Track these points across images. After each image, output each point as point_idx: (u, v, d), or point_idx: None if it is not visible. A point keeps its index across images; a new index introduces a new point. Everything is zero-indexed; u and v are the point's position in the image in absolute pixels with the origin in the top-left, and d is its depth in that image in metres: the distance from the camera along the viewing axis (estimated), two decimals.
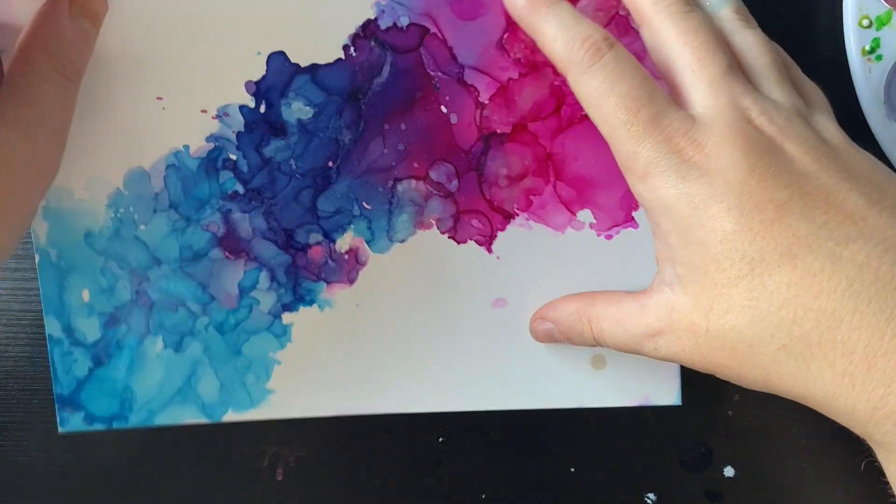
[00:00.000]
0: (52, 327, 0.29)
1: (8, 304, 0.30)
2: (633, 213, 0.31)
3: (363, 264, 0.30)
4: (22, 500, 0.31)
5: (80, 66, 0.24)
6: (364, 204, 0.30)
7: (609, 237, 0.31)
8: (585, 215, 0.31)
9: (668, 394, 0.32)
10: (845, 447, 0.30)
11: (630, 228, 0.31)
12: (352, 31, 0.28)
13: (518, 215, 0.30)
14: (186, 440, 0.31)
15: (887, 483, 0.23)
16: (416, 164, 0.30)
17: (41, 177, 0.23)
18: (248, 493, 0.31)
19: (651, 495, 0.30)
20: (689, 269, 0.23)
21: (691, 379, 0.30)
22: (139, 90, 0.27)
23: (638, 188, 0.25)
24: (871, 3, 0.29)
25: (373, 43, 0.28)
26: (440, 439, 0.31)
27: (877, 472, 0.24)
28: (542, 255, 0.31)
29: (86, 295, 0.29)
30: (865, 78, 0.29)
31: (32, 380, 0.30)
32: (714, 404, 0.31)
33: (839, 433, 0.30)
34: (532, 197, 0.30)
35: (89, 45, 0.24)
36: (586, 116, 0.30)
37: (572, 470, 0.31)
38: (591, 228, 0.31)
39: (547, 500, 0.31)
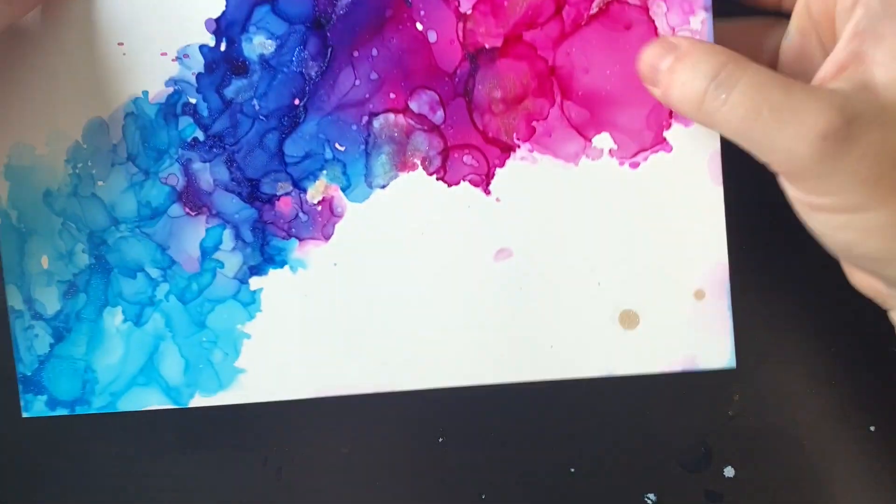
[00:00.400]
0: (14, 298, 0.27)
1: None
2: (665, 133, 0.25)
3: (339, 216, 0.26)
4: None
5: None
6: (336, 145, 0.26)
7: (635, 165, 0.25)
8: (603, 140, 0.25)
9: (719, 355, 0.24)
10: (845, 447, 0.30)
11: (662, 152, 0.24)
12: None
13: (519, 147, 0.25)
14: (186, 439, 0.30)
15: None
16: (392, 95, 0.26)
17: None
18: (248, 492, 0.30)
19: (651, 495, 0.30)
20: None
21: (691, 379, 0.29)
22: (100, 37, 0.26)
23: None
24: None
25: None
26: (440, 439, 0.30)
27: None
28: (552, 194, 0.25)
29: (45, 261, 0.27)
30: None
31: None
32: (714, 404, 0.30)
33: (839, 433, 0.30)
34: (535, 123, 0.25)
35: None
36: (595, 16, 0.25)
37: (572, 470, 0.30)
38: (612, 156, 0.25)
39: (547, 500, 0.30)
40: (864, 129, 0.19)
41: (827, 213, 0.20)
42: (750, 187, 0.25)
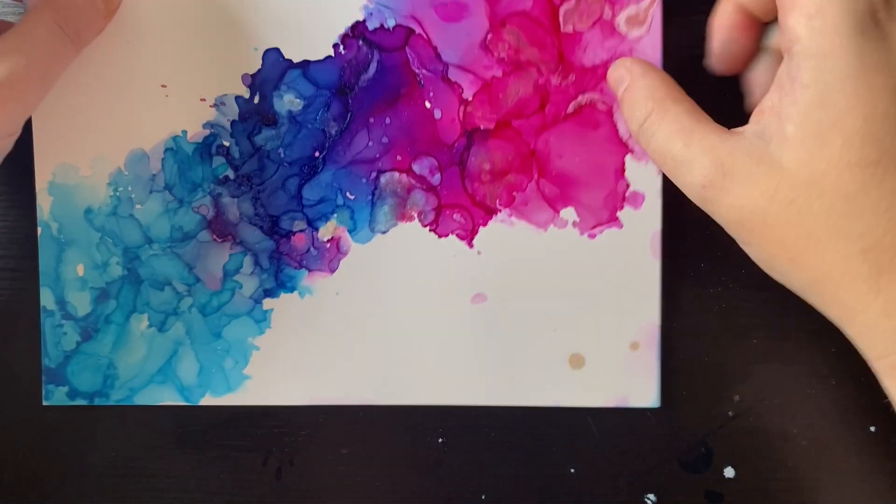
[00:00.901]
0: (46, 299, 0.30)
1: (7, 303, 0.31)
2: (618, 213, 0.31)
3: (344, 253, 0.31)
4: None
5: (83, 32, 0.26)
6: (347, 194, 0.31)
7: (592, 236, 0.31)
8: (569, 213, 0.30)
9: (646, 395, 0.30)
10: (845, 447, 0.30)
11: (614, 228, 0.30)
12: (341, 30, 0.30)
13: (500, 211, 0.30)
14: (186, 439, 0.31)
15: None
16: (399, 157, 0.31)
17: (14, 100, 0.24)
18: (248, 492, 0.31)
19: (651, 495, 0.30)
20: (806, 131, 0.21)
21: (691, 379, 0.31)
22: (146, 77, 0.29)
23: (795, 23, 0.21)
24: None
25: (361, 42, 0.30)
26: (440, 439, 0.31)
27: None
28: (524, 252, 0.30)
29: (80, 269, 0.30)
30: None
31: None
32: (714, 404, 0.30)
33: (839, 433, 0.30)
34: (515, 193, 0.30)
35: (97, 18, 0.27)
36: (571, 115, 0.31)
37: (572, 470, 0.30)
38: (574, 227, 0.30)
39: (547, 500, 0.30)
40: (735, 182, 0.22)
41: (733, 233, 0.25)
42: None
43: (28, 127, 0.29)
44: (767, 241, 0.23)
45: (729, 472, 0.30)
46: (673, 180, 0.25)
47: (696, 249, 0.31)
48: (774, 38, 0.26)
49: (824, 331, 0.29)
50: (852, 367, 0.29)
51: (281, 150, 0.30)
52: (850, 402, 0.30)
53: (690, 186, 0.24)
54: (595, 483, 0.30)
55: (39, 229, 0.30)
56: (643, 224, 0.30)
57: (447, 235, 0.30)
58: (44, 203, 0.30)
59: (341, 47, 0.30)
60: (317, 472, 0.31)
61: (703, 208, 0.24)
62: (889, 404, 0.29)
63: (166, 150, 0.30)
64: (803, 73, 0.21)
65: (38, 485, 0.31)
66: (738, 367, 0.30)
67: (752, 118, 0.24)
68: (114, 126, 0.30)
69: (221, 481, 0.31)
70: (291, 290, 0.30)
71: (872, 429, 0.30)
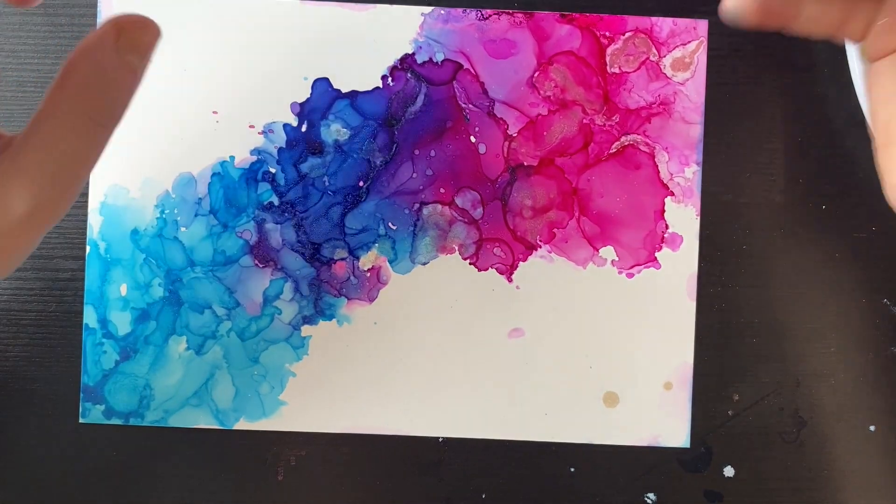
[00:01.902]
0: (89, 317, 0.30)
1: (8, 304, 0.31)
2: (657, 254, 0.31)
3: (384, 283, 0.32)
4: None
5: (119, 109, 0.19)
6: (390, 224, 0.31)
7: (630, 276, 0.31)
8: (608, 252, 0.31)
9: (678, 436, 0.30)
10: (845, 447, 0.30)
11: (652, 268, 0.31)
12: (391, 63, 0.30)
13: (540, 247, 0.31)
14: (187, 439, 0.31)
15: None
16: (442, 190, 0.31)
17: (41, 227, 0.19)
18: (248, 493, 0.31)
19: (651, 495, 0.30)
20: None
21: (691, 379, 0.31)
22: (199, 104, 0.30)
23: None
24: None
25: (409, 75, 0.31)
26: (440, 439, 0.31)
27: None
28: (562, 289, 0.31)
29: (123, 289, 0.31)
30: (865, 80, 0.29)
31: (32, 380, 0.31)
32: (714, 404, 0.30)
33: (839, 433, 0.30)
34: (555, 230, 0.31)
35: (135, 82, 0.19)
36: (613, 154, 0.31)
37: (572, 470, 0.30)
38: (613, 265, 0.31)
39: (547, 500, 0.30)
40: None
41: None
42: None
43: None
44: None
45: (728, 472, 0.30)
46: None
47: (698, 250, 0.31)
48: None
49: (824, 331, 0.30)
50: (852, 367, 0.30)
51: (326, 179, 0.31)
52: (850, 402, 0.30)
53: None
54: (595, 483, 0.30)
55: (88, 248, 0.31)
56: (680, 265, 0.31)
57: (487, 269, 0.31)
58: (94, 222, 0.30)
59: (390, 79, 0.31)
60: (317, 472, 0.31)
61: None
62: (889, 404, 0.30)
63: (213, 174, 0.31)
64: None
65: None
66: (737, 367, 0.30)
67: None
68: (164, 150, 0.30)
69: (221, 481, 0.31)
70: (330, 317, 0.31)
71: (872, 429, 0.30)
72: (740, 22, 0.23)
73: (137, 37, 0.19)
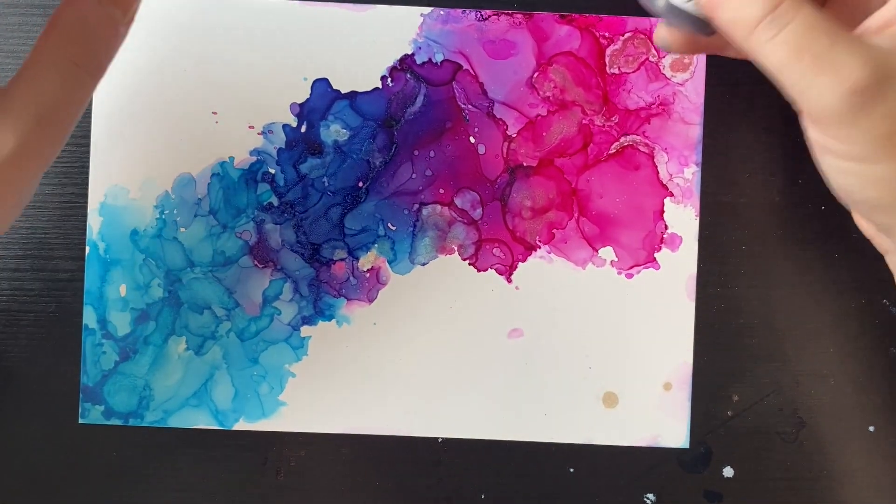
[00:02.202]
0: (89, 318, 0.30)
1: (8, 304, 0.31)
2: (656, 255, 0.31)
3: (384, 284, 0.32)
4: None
5: (103, 58, 0.21)
6: (389, 225, 0.31)
7: (630, 276, 0.31)
8: (607, 252, 0.31)
9: (676, 436, 0.30)
10: (845, 447, 0.30)
11: (651, 269, 0.31)
12: (390, 63, 0.30)
13: (540, 247, 0.31)
14: (187, 439, 0.31)
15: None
16: (442, 191, 0.31)
17: (29, 168, 0.20)
18: (248, 493, 0.31)
19: (651, 495, 0.30)
20: None
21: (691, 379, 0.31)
22: (198, 104, 0.30)
23: None
24: None
25: (408, 75, 0.31)
26: (440, 439, 0.31)
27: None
28: (562, 289, 0.31)
29: (123, 290, 0.31)
30: None
31: (32, 380, 0.31)
32: (713, 404, 0.31)
33: (839, 433, 0.30)
34: (555, 230, 0.31)
35: (117, 36, 0.21)
36: (613, 155, 0.31)
37: (572, 470, 0.30)
38: (612, 266, 0.31)
39: (547, 500, 0.30)
40: (892, 89, 0.19)
41: (838, 158, 0.21)
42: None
43: (86, 148, 0.31)
44: None
45: (728, 472, 0.30)
46: (792, 88, 0.20)
47: (698, 250, 0.31)
48: None
49: (824, 331, 0.30)
50: (852, 367, 0.30)
51: (325, 179, 0.31)
52: (850, 402, 0.30)
53: (832, 92, 0.20)
54: (595, 483, 0.30)
55: (87, 248, 0.31)
56: (680, 266, 0.31)
57: (486, 270, 0.31)
58: (94, 223, 0.31)
59: (389, 80, 0.31)
60: (317, 472, 0.31)
61: (835, 123, 0.20)
62: (889, 404, 0.30)
63: (213, 175, 0.31)
64: None
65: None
66: (737, 367, 0.30)
67: (873, 33, 0.21)
68: (164, 150, 0.31)
69: (221, 481, 0.31)
70: (329, 318, 0.31)
71: (872, 429, 0.30)
72: (671, 50, 0.25)
73: None
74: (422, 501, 0.31)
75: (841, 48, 0.20)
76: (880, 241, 0.25)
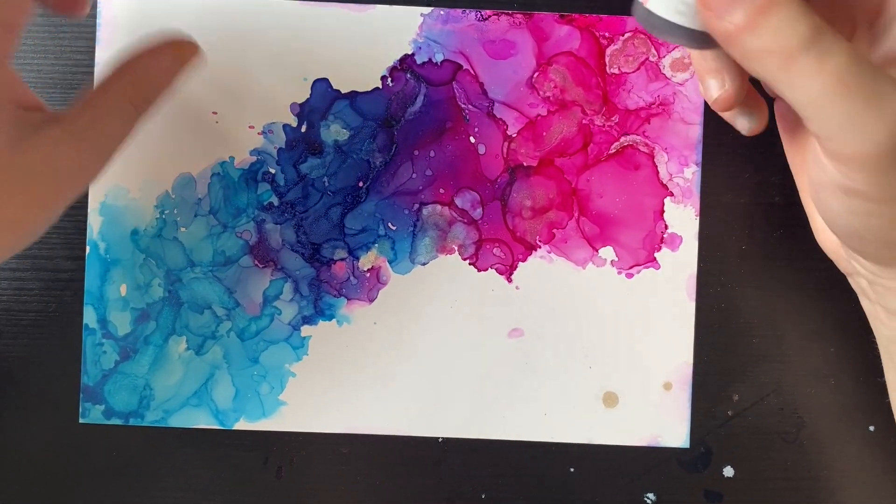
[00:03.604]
0: (89, 317, 0.31)
1: (8, 304, 0.31)
2: (656, 254, 0.32)
3: (384, 284, 0.32)
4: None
5: (155, 104, 0.25)
6: (389, 224, 0.32)
7: (630, 276, 0.31)
8: (607, 252, 0.31)
9: (677, 436, 0.30)
10: (845, 447, 0.31)
11: (651, 269, 0.31)
12: (390, 63, 0.30)
13: (540, 247, 0.31)
14: (187, 439, 0.31)
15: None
16: (442, 190, 0.32)
17: (76, 185, 0.24)
18: (248, 493, 0.31)
19: (651, 495, 0.30)
20: None
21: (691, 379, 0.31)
22: (198, 104, 0.30)
23: None
24: None
25: (409, 75, 0.31)
26: (440, 439, 0.31)
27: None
28: (562, 289, 0.31)
29: (123, 289, 0.31)
30: None
31: (32, 380, 0.31)
32: (714, 404, 0.31)
33: (839, 433, 0.31)
34: (555, 230, 0.31)
35: (173, 84, 0.25)
36: (613, 155, 0.32)
37: (572, 470, 0.31)
38: (613, 266, 0.31)
39: (547, 500, 0.31)
40: None
41: (862, 199, 0.20)
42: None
43: None
44: None
45: (728, 472, 0.31)
46: (829, 124, 0.19)
47: (699, 250, 0.31)
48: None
49: (824, 331, 0.31)
50: (852, 367, 0.30)
51: (325, 179, 0.31)
52: (850, 402, 0.30)
53: (878, 129, 0.18)
54: (595, 483, 0.31)
55: (88, 248, 0.31)
56: (680, 266, 0.31)
57: (486, 269, 0.32)
58: (94, 223, 0.31)
59: (389, 80, 0.31)
60: (317, 471, 0.31)
61: (874, 162, 0.19)
62: (889, 404, 0.29)
63: (213, 175, 0.31)
64: None
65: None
66: (737, 367, 0.31)
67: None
68: (164, 150, 0.31)
69: (221, 481, 0.31)
70: (330, 318, 0.32)
71: (872, 429, 0.30)
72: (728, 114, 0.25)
73: (186, 54, 0.25)
74: (422, 501, 0.31)
75: (884, 84, 0.18)
76: (846, 265, 0.25)
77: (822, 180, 0.20)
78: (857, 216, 0.20)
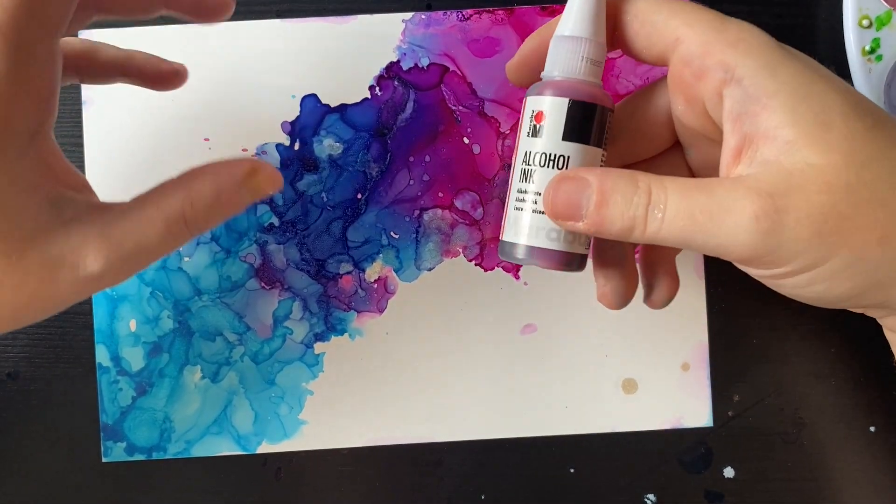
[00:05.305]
0: (102, 356, 0.31)
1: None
2: None
3: (392, 293, 0.32)
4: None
5: (212, 227, 0.23)
6: (392, 233, 0.32)
7: (638, 260, 0.32)
8: None
9: (700, 415, 0.30)
10: (845, 447, 0.31)
11: None
12: (376, 72, 0.30)
13: None
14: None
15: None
16: (441, 194, 0.32)
17: (90, 291, 0.21)
18: (249, 493, 0.31)
19: (651, 495, 0.31)
20: (806, 128, 0.20)
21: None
22: (190, 133, 0.30)
23: (723, 58, 0.21)
24: (871, 3, 0.29)
25: (396, 83, 0.31)
26: (440, 439, 0.31)
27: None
28: (570, 282, 0.32)
29: (133, 325, 0.32)
30: (866, 78, 0.29)
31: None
32: (714, 404, 0.31)
33: (839, 433, 0.31)
34: None
35: (237, 213, 0.23)
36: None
37: (572, 470, 0.31)
38: None
39: (547, 500, 0.31)
40: (786, 197, 0.20)
41: (790, 277, 0.21)
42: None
43: None
44: (852, 230, 0.20)
45: (728, 472, 0.31)
46: (706, 247, 0.21)
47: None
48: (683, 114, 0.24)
49: (824, 331, 0.31)
50: (852, 367, 0.30)
51: (323, 195, 0.32)
52: (850, 402, 0.31)
53: (740, 230, 0.20)
54: (595, 483, 0.31)
55: None
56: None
57: (493, 268, 0.32)
58: None
59: (377, 89, 0.31)
60: (317, 472, 0.31)
61: (762, 253, 0.20)
62: (889, 404, 0.29)
63: None
64: (762, 84, 0.21)
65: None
66: (738, 367, 0.31)
67: (733, 165, 0.21)
68: (160, 181, 0.31)
69: (222, 481, 0.31)
70: (342, 332, 0.32)
71: (872, 429, 0.31)
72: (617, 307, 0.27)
73: (264, 185, 0.22)
74: (422, 501, 0.31)
75: (720, 192, 0.20)
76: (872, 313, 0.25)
77: (759, 279, 0.22)
78: (805, 291, 0.21)
